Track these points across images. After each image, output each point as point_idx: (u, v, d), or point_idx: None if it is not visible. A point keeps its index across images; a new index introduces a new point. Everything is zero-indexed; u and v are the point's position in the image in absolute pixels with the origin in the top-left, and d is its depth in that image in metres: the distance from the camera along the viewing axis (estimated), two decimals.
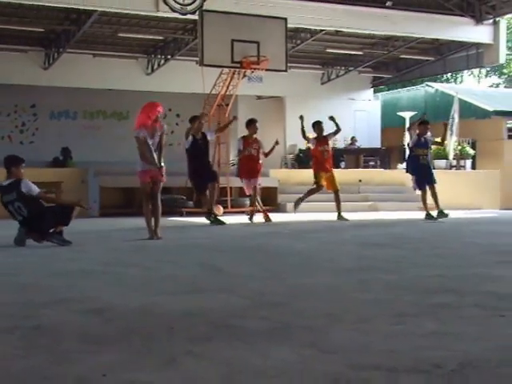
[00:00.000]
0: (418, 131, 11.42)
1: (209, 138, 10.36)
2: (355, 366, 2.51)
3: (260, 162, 11.04)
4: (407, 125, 16.73)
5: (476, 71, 32.13)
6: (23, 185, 7.03)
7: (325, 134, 11.47)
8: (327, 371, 2.45)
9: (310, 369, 2.50)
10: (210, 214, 10.20)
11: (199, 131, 10.15)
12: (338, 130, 11.58)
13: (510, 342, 2.91)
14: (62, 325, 3.27)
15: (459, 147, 16.65)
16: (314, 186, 11.46)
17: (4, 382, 2.38)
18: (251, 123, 11.11)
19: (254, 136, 11.03)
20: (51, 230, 7.12)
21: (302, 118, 11.35)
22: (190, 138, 10.05)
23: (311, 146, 11.61)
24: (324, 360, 2.61)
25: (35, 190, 7.08)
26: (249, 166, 10.95)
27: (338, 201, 11.44)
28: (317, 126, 11.46)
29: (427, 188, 11.19)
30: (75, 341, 2.94)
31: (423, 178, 11.19)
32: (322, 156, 11.40)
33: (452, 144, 16.48)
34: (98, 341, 2.93)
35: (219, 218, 10.32)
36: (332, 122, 11.43)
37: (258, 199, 11.26)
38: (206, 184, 10.14)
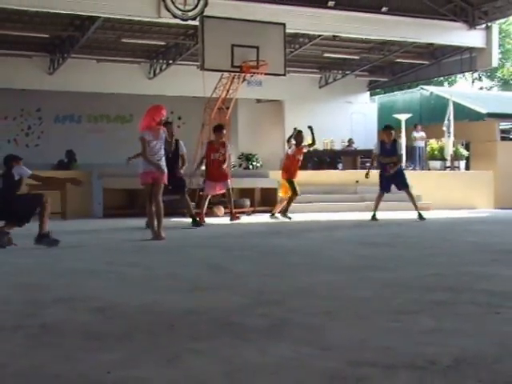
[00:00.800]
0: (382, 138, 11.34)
1: (182, 149, 9.97)
2: (352, 363, 2.54)
3: (225, 165, 10.76)
4: (403, 127, 16.72)
5: (468, 74, 32.30)
6: (16, 168, 7.25)
7: (303, 144, 11.66)
8: (325, 368, 2.48)
9: (307, 366, 2.53)
10: (194, 219, 10.04)
11: (170, 136, 9.64)
12: (313, 143, 11.84)
13: (505, 338, 2.93)
14: (65, 323, 3.30)
15: (453, 148, 16.76)
16: (290, 195, 11.54)
17: (8, 379, 2.41)
18: (219, 129, 10.87)
19: (221, 140, 10.82)
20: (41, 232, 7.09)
21: (311, 128, 11.58)
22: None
23: (290, 152, 11.61)
24: (322, 357, 2.64)
25: (27, 171, 7.31)
26: (216, 171, 10.67)
27: (289, 203, 11.60)
28: (298, 134, 11.53)
29: (404, 192, 11.24)
30: (78, 339, 2.97)
31: (390, 184, 11.24)
32: (296, 164, 11.51)
33: (450, 145, 16.58)
34: (101, 339, 2.96)
35: (198, 221, 10.09)
36: (323, 128, 11.49)
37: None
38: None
